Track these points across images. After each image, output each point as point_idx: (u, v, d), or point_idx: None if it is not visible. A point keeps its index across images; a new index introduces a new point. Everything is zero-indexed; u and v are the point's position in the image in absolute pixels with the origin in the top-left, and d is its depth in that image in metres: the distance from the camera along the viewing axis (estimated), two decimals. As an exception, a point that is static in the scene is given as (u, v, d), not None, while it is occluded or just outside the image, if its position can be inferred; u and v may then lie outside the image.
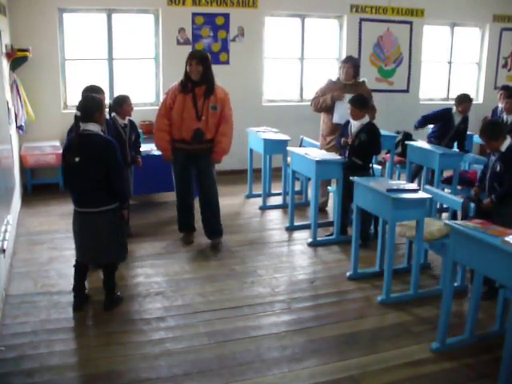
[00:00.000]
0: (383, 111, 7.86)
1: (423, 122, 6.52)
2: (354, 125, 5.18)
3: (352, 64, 5.90)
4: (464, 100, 6.22)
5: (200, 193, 5.18)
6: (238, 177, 7.52)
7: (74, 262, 4.68)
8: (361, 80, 6.03)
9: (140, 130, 7.22)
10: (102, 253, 3.87)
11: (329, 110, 5.90)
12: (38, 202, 6.48)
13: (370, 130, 5.13)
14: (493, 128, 4.31)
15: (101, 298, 4.05)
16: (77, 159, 3.63)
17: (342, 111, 5.62)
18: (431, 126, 6.63)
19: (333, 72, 8.66)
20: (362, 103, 5.15)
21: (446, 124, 6.31)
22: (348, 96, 5.49)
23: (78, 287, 3.98)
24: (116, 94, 5.42)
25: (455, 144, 6.43)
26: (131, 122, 5.27)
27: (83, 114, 3.65)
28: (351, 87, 5.84)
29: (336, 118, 5.82)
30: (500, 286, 3.50)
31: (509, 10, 9.42)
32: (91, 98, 3.80)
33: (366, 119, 5.17)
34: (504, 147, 4.23)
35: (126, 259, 4.18)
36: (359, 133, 5.12)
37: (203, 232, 5.27)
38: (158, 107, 8.26)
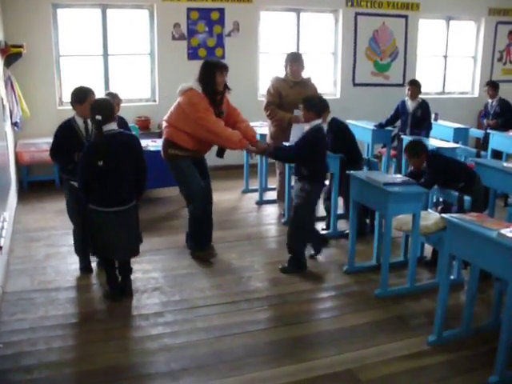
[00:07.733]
0: (379, 105, 7.89)
1: (384, 124, 6.88)
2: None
3: (301, 62, 5.67)
4: (410, 83, 6.74)
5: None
6: (234, 172, 7.51)
7: (70, 259, 4.69)
8: (306, 77, 5.77)
9: (136, 126, 7.23)
10: (128, 249, 3.98)
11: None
12: (34, 199, 6.46)
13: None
14: (413, 146, 4.53)
15: (97, 294, 4.10)
16: (100, 163, 3.65)
17: (298, 133, 5.14)
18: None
19: (329, 67, 8.71)
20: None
21: (403, 114, 6.72)
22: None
23: (113, 280, 4.03)
24: (111, 90, 5.35)
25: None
26: None
27: (107, 115, 3.69)
28: (300, 84, 5.64)
29: (291, 141, 5.35)
30: (496, 279, 3.52)
31: (504, 3, 9.43)
32: (105, 101, 3.95)
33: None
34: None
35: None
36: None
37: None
38: (153, 103, 8.23)
